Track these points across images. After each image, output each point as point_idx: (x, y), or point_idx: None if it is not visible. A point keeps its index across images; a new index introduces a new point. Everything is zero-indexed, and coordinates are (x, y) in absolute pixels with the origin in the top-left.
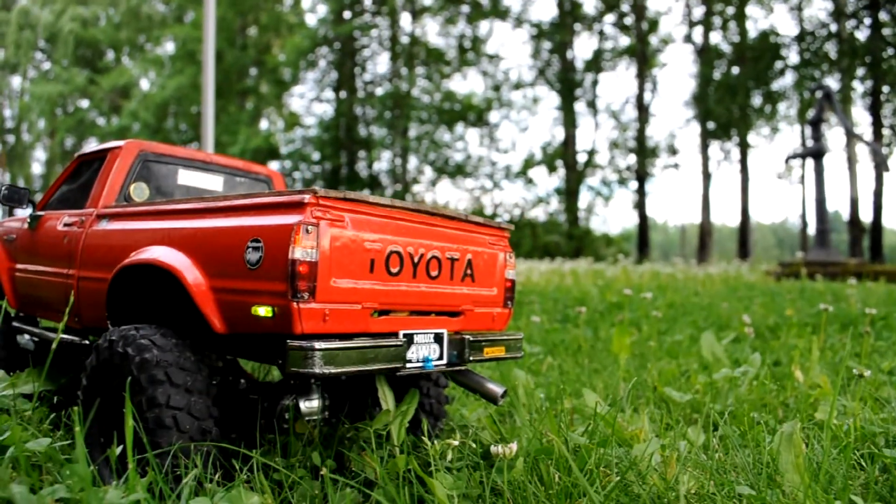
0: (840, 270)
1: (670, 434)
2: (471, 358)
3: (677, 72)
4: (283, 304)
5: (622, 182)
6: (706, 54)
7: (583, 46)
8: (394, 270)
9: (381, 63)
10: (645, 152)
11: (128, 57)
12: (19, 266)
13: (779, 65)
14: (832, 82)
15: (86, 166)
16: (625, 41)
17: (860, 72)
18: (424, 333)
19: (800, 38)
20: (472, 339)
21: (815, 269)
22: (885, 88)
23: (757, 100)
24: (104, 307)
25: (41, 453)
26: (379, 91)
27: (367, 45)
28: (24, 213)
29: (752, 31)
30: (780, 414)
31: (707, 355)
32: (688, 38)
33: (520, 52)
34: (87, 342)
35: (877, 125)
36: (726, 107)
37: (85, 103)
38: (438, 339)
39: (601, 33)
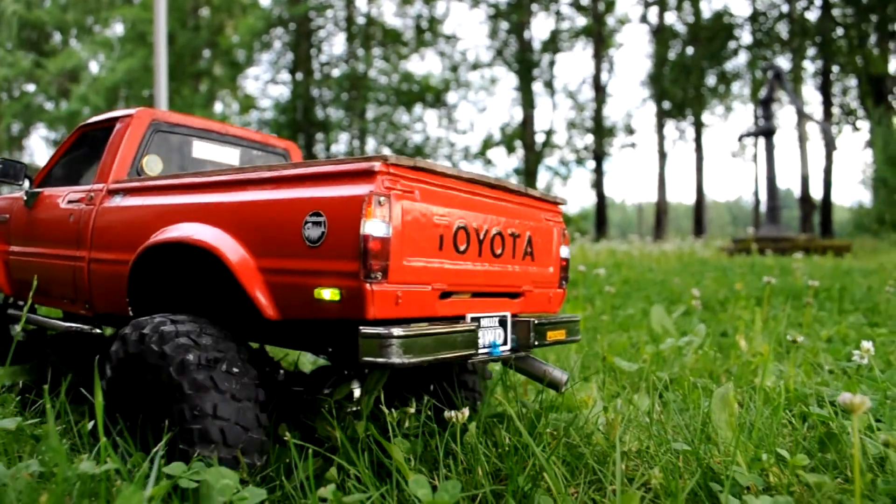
0: (790, 245)
1: (617, 400)
2: (535, 343)
3: (634, 52)
4: (352, 286)
5: (580, 162)
6: (661, 34)
7: (540, 27)
8: (461, 248)
9: (337, 44)
10: (602, 132)
11: (75, 39)
12: (14, 248)
13: (732, 45)
14: (784, 62)
15: (89, 138)
16: (581, 21)
17: (811, 52)
18: (490, 317)
19: (752, 19)
20: (536, 322)
21: (765, 245)
22: (835, 68)
23: (711, 80)
24: (124, 293)
25: (11, 433)
26: (335, 72)
27: (323, 25)
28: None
29: (707, 11)
30: (723, 380)
31: (656, 327)
32: (643, 19)
33: (477, 33)
34: (97, 331)
35: (827, 104)
36: (681, 87)
37: (31, 87)
38: (503, 322)
39: (558, 13)
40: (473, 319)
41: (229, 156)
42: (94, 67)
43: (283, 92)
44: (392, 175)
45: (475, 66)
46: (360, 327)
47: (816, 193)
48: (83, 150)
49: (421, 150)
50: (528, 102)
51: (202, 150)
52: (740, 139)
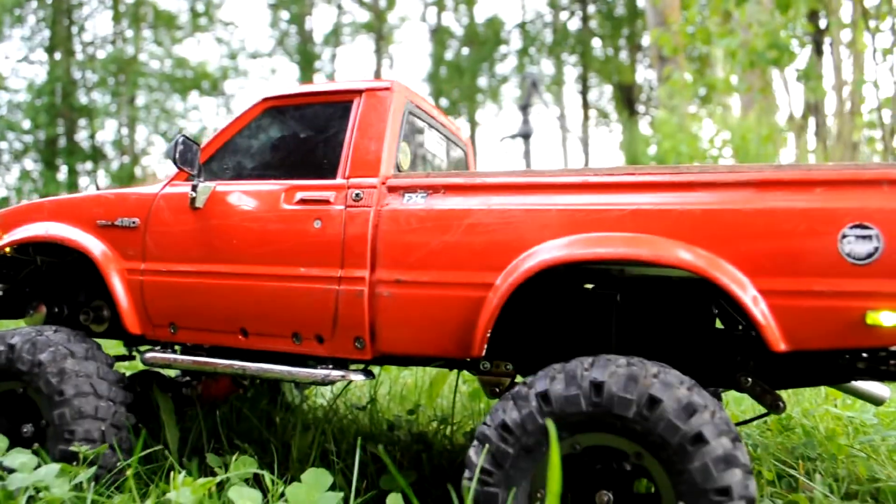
0: None
1: None
2: None
3: (415, 50)
4: None
5: None
6: (439, 35)
7: (322, 19)
8: None
9: (102, 23)
10: None
11: None
12: (161, 267)
13: (504, 49)
14: (549, 67)
15: (292, 116)
16: (364, 16)
17: (572, 59)
18: None
19: (521, 26)
20: None
21: None
22: (592, 75)
23: (483, 81)
24: (469, 325)
25: None
26: (101, 54)
27: (86, 1)
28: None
29: (482, 15)
30: None
31: None
32: (423, 18)
33: (257, 21)
34: (360, 378)
35: (585, 108)
36: (456, 86)
37: None
38: None
39: (339, 7)
40: None
41: (441, 148)
42: None
43: (39, 73)
44: None
45: (255, 56)
46: None
47: None
48: (277, 132)
49: (198, 139)
50: None
51: (431, 141)
52: (502, 141)
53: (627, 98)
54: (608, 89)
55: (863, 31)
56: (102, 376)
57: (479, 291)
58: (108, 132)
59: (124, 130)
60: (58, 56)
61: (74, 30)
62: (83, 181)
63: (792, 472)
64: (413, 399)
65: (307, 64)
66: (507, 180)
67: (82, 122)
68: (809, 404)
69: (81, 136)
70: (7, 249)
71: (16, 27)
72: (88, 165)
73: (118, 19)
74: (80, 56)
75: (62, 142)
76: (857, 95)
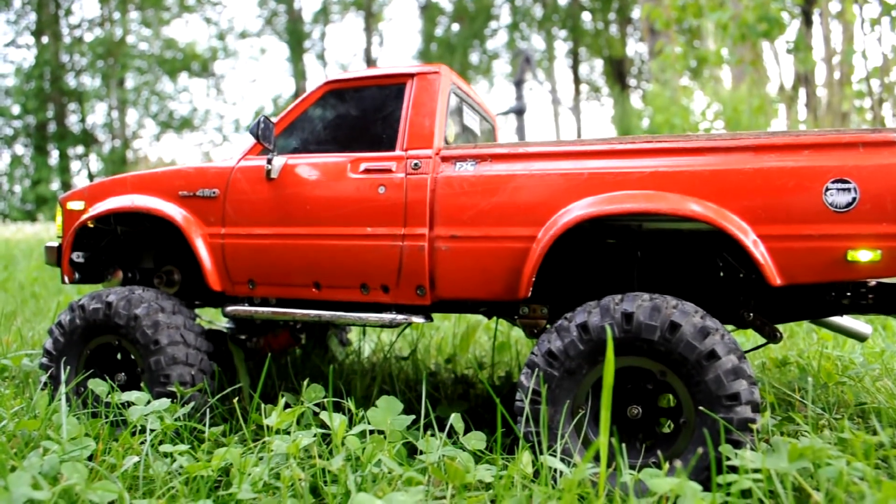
0: None
1: None
2: None
3: (403, 27)
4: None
5: None
6: (429, 11)
7: None
8: None
9: (89, 6)
10: None
11: None
12: (240, 231)
13: (494, 25)
14: (539, 42)
15: (350, 97)
16: None
17: (562, 34)
18: None
19: (511, 1)
20: None
21: None
22: (583, 50)
23: (475, 57)
24: (516, 273)
25: None
26: (89, 37)
27: None
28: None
29: None
30: None
31: None
32: None
33: (245, 1)
34: (420, 320)
35: (576, 82)
36: (447, 63)
37: None
38: None
39: None
40: None
41: (475, 122)
42: None
43: (26, 57)
44: None
45: (243, 35)
46: None
47: None
48: (338, 112)
49: (189, 121)
50: (299, 74)
51: (469, 119)
52: (496, 117)
53: (618, 72)
54: (599, 63)
55: (851, 2)
56: (189, 328)
57: (523, 243)
58: (98, 115)
59: (115, 113)
60: (45, 40)
61: (61, 13)
62: (75, 165)
63: (789, 397)
64: (447, 351)
65: (296, 43)
66: (546, 149)
67: (72, 105)
68: (804, 345)
69: (72, 120)
70: (90, 222)
71: (2, 11)
72: (79, 149)
73: (105, 1)
74: (67, 39)
75: (52, 126)
76: (847, 66)
